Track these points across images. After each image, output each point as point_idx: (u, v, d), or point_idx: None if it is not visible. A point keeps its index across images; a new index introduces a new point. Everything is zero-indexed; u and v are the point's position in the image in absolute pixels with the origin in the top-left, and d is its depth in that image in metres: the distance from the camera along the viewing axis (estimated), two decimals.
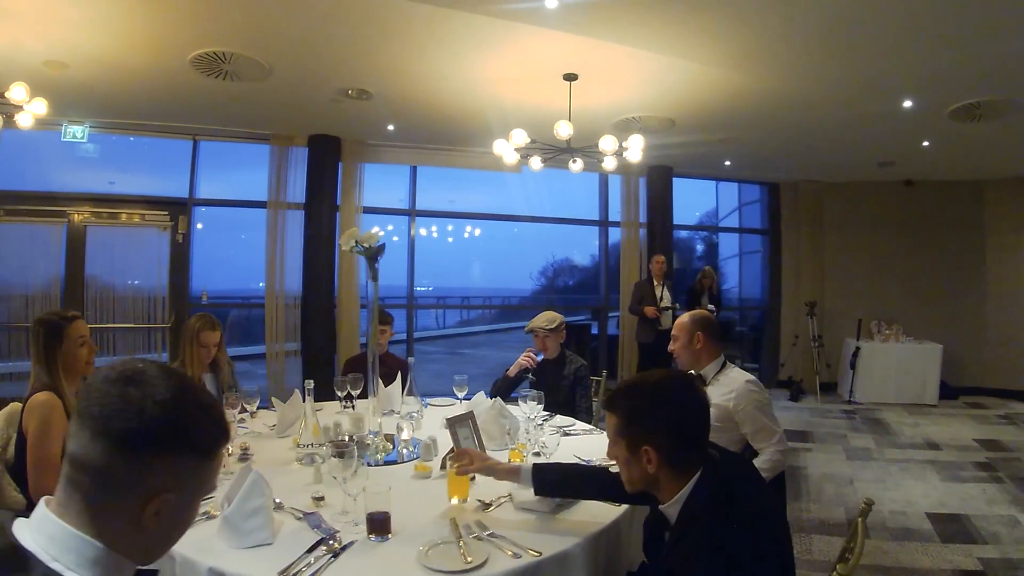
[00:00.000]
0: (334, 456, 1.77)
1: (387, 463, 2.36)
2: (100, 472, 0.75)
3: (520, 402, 2.73)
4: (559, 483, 1.91)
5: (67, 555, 0.74)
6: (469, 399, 3.13)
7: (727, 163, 7.45)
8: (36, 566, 0.73)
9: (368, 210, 6.77)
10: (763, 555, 1.32)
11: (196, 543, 1.55)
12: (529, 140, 4.56)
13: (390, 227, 7.34)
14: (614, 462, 1.55)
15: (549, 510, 1.90)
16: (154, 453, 0.77)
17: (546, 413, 3.00)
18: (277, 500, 1.84)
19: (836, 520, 3.75)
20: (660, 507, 1.47)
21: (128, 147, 6.13)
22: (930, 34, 3.71)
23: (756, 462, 2.47)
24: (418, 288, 7.70)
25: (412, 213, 7.22)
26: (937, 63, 4.13)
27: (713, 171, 8.03)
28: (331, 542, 1.58)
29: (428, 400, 3.38)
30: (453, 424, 2.27)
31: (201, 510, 1.85)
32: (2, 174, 5.55)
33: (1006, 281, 7.56)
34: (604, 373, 4.05)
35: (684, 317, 2.74)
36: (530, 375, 3.55)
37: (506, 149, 4.79)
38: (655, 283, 6.85)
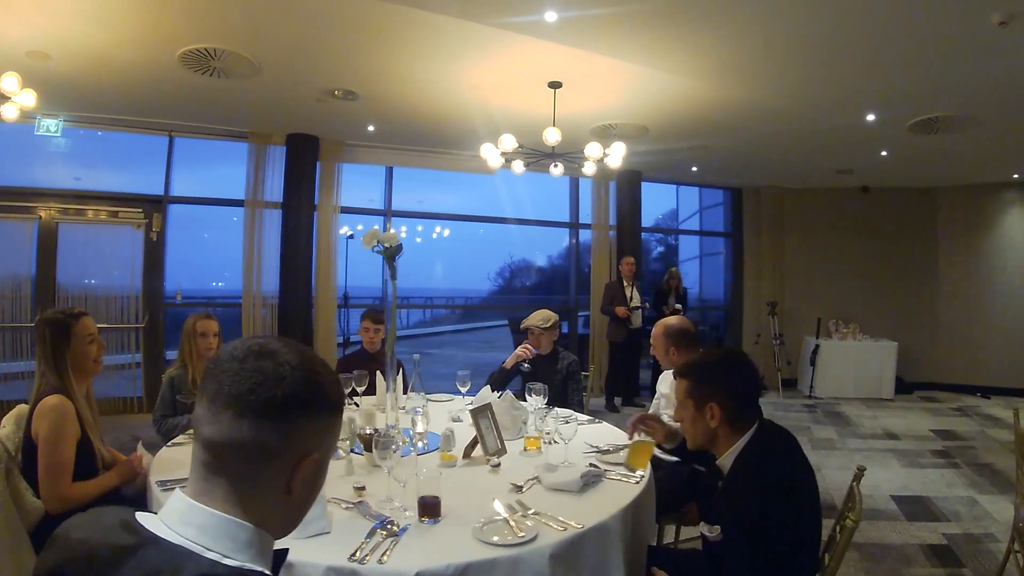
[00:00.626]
0: (379, 446, 1.83)
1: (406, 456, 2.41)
2: (251, 449, 0.74)
3: (527, 395, 2.84)
4: None
5: (222, 542, 0.72)
6: (473, 394, 3.22)
7: (694, 169, 7.73)
8: (188, 560, 0.69)
9: (344, 210, 6.76)
10: (804, 498, 1.62)
11: None
12: (517, 145, 4.66)
13: (360, 227, 7.34)
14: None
15: (577, 490, 2.02)
16: (301, 415, 0.77)
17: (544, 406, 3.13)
18: None
19: None
20: (716, 461, 1.77)
21: (96, 142, 5.95)
22: (896, 54, 4.00)
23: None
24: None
25: (388, 214, 7.25)
26: (901, 81, 4.44)
27: (680, 176, 8.33)
28: (390, 526, 1.64)
29: (428, 396, 3.44)
30: (475, 415, 2.36)
31: None
32: None
33: (957, 283, 8.07)
34: (592, 368, 4.20)
35: (657, 330, 2.91)
36: (525, 364, 3.67)
37: (492, 153, 4.89)
38: (625, 284, 7.08)
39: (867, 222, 8.30)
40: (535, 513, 1.79)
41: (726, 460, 1.74)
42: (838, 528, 1.88)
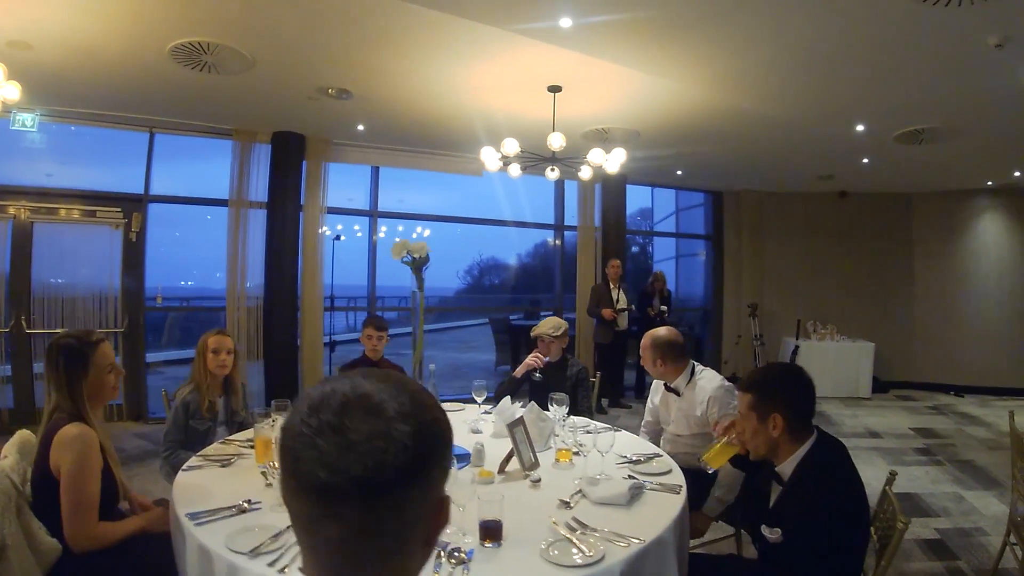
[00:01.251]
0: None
1: None
2: (391, 523, 0.66)
3: (549, 405, 2.83)
4: None
5: None
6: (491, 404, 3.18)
7: (679, 172, 7.83)
8: None
9: (330, 210, 6.62)
10: (859, 501, 1.74)
11: None
12: (519, 150, 4.62)
13: (339, 227, 7.20)
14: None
15: (626, 503, 2.02)
16: (433, 465, 0.68)
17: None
18: None
19: None
20: (776, 468, 1.87)
21: (71, 137, 5.68)
22: (893, 70, 4.13)
23: (722, 474, 2.65)
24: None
25: (374, 214, 7.13)
26: (894, 95, 4.58)
27: (665, 179, 8.41)
28: (456, 553, 1.59)
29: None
30: (512, 429, 2.34)
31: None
32: None
33: (932, 285, 8.37)
34: (598, 375, 4.21)
35: (645, 341, 2.97)
36: (536, 374, 3.64)
37: (492, 156, 4.84)
38: (611, 286, 7.13)
39: (845, 226, 8.54)
40: (592, 530, 1.78)
41: (786, 467, 1.84)
42: (874, 531, 1.98)
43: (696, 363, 3.00)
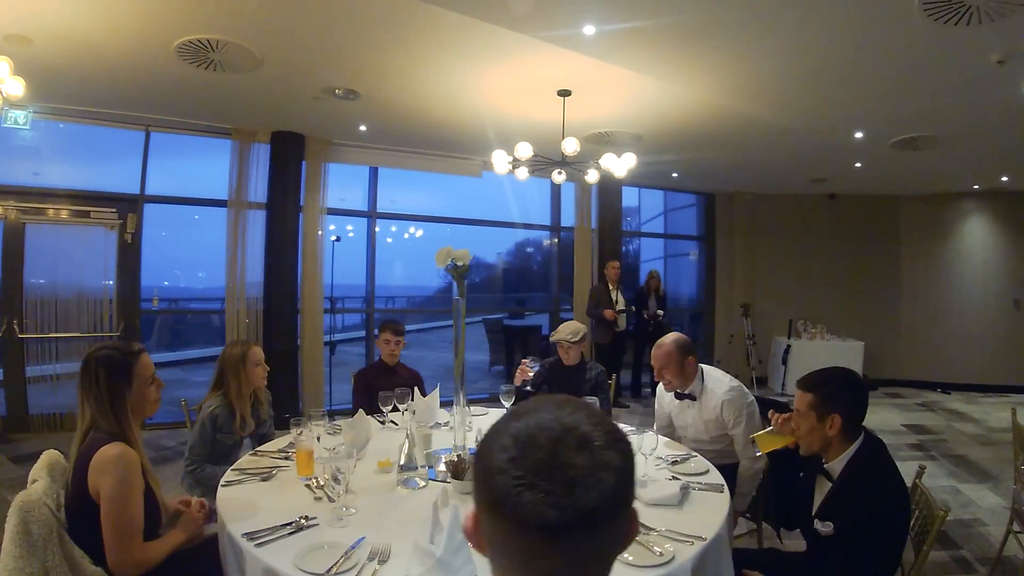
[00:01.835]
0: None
1: None
2: (605, 545, 0.68)
3: None
4: None
5: None
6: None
7: (675, 175, 7.91)
8: None
9: (329, 211, 6.54)
10: (904, 496, 1.88)
11: None
12: (532, 153, 4.62)
13: (332, 227, 7.12)
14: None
15: (677, 503, 2.05)
16: (635, 480, 0.70)
17: None
18: None
19: None
20: (826, 465, 1.97)
21: (63, 135, 5.49)
22: (898, 82, 4.24)
23: (742, 470, 2.76)
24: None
25: (373, 215, 7.07)
26: (897, 105, 4.70)
27: (661, 182, 8.49)
28: None
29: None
30: None
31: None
32: None
33: (919, 285, 8.61)
34: (614, 377, 4.22)
35: (665, 347, 2.85)
36: (528, 386, 3.44)
37: (502, 159, 4.84)
38: (610, 287, 7.19)
39: (834, 227, 8.73)
40: (652, 530, 1.81)
41: (837, 464, 1.94)
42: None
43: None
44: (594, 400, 2.89)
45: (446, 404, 3.24)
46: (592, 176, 5.17)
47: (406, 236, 10.21)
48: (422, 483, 2.16)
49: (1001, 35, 3.42)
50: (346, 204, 7.20)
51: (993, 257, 8.29)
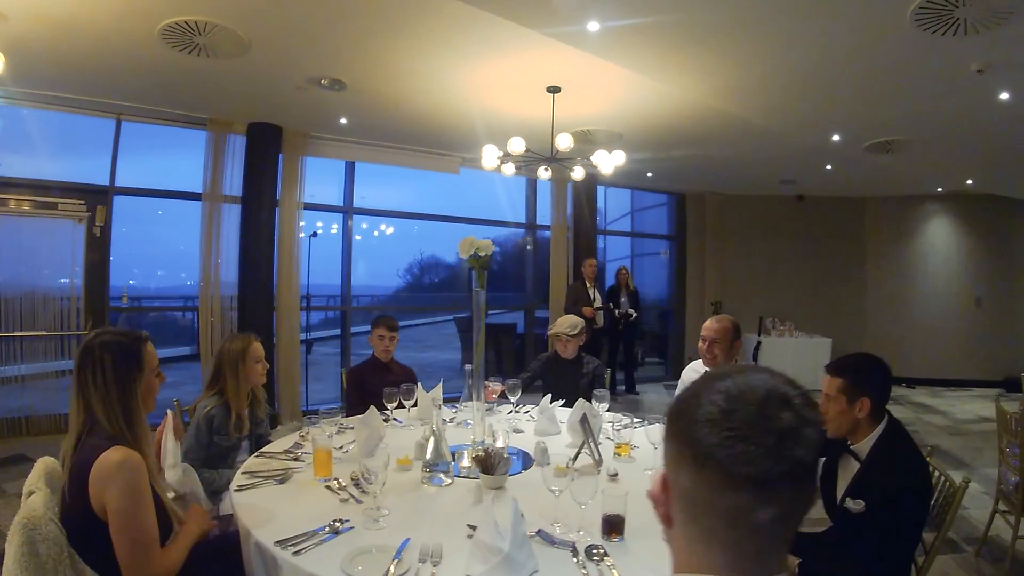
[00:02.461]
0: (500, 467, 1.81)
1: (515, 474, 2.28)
2: (813, 490, 0.70)
3: (593, 401, 2.86)
4: None
5: None
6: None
7: (649, 174, 8.03)
8: None
9: (306, 206, 6.39)
10: (928, 473, 1.96)
11: None
12: (525, 149, 4.61)
13: (302, 223, 6.92)
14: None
15: None
16: None
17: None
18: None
19: None
20: (853, 446, 2.04)
21: (24, 122, 5.18)
22: (880, 86, 4.39)
23: None
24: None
25: (350, 211, 6.94)
26: (877, 109, 4.86)
27: (635, 181, 8.60)
28: (594, 552, 1.58)
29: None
30: (582, 424, 2.36)
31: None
32: None
33: (883, 284, 8.97)
34: (608, 371, 4.25)
35: (725, 323, 2.93)
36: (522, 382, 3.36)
37: (491, 154, 4.80)
38: (588, 285, 7.24)
39: (801, 228, 9.01)
40: None
41: (864, 445, 2.02)
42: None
43: None
44: (603, 393, 2.93)
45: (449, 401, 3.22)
46: (578, 173, 5.20)
47: (376, 234, 10.11)
48: (447, 480, 2.12)
49: (983, 45, 3.58)
50: (316, 200, 7.04)
51: (955, 257, 8.70)
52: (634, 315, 7.52)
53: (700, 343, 3.00)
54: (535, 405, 3.46)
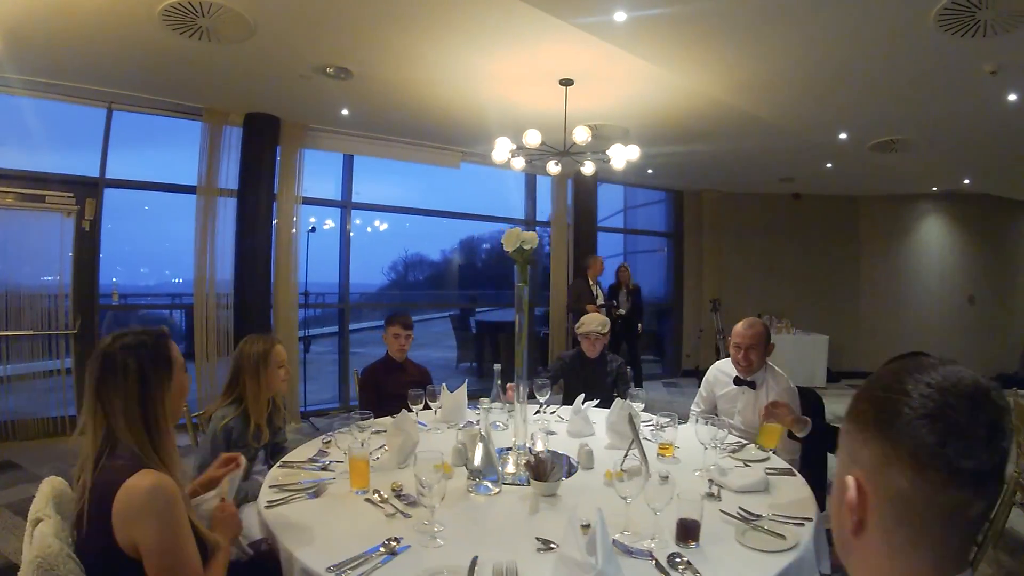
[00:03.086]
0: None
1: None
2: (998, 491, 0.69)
3: (629, 400, 2.77)
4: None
5: None
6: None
7: (650, 171, 7.98)
8: None
9: (305, 200, 6.21)
10: None
11: None
12: (540, 142, 4.50)
13: (295, 218, 6.74)
14: None
15: (763, 489, 2.01)
16: None
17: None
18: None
19: None
20: None
21: (9, 111, 4.91)
22: (893, 86, 4.38)
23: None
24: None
25: (348, 205, 6.77)
26: (888, 108, 4.86)
27: (635, 178, 8.53)
28: (677, 561, 1.51)
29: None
30: (632, 426, 2.26)
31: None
32: None
33: (877, 282, 9.05)
34: (628, 370, 4.17)
35: (757, 327, 2.87)
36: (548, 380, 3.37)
37: (503, 147, 4.70)
38: (590, 282, 7.16)
39: (798, 226, 9.05)
40: (759, 516, 1.80)
41: None
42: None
43: None
44: (639, 392, 2.86)
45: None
46: (588, 168, 5.11)
47: (369, 230, 9.88)
48: (494, 489, 2.00)
49: (999, 47, 3.59)
50: (310, 194, 6.86)
51: (949, 255, 8.81)
52: (623, 313, 7.43)
53: (733, 351, 2.91)
54: (559, 405, 3.37)
